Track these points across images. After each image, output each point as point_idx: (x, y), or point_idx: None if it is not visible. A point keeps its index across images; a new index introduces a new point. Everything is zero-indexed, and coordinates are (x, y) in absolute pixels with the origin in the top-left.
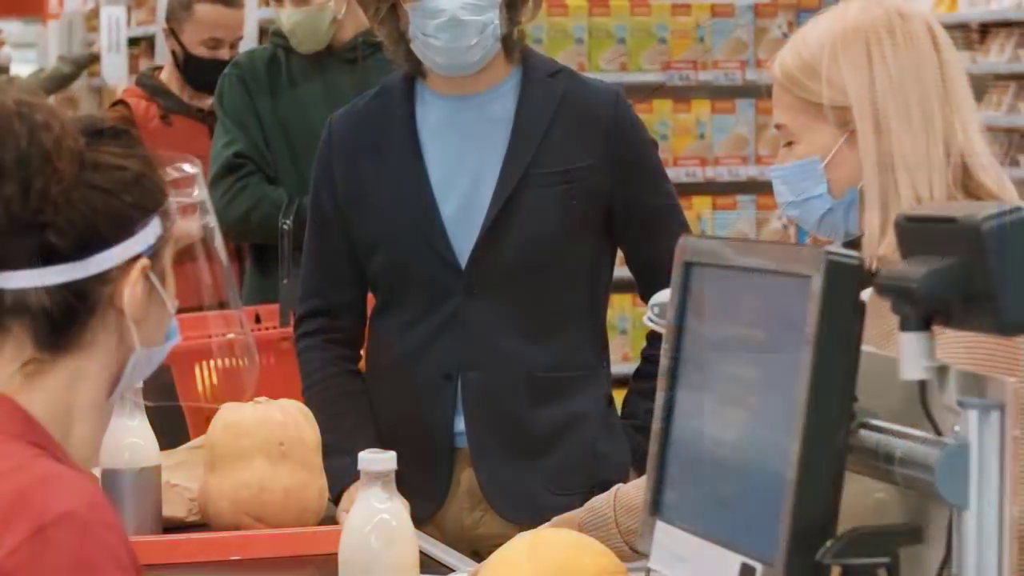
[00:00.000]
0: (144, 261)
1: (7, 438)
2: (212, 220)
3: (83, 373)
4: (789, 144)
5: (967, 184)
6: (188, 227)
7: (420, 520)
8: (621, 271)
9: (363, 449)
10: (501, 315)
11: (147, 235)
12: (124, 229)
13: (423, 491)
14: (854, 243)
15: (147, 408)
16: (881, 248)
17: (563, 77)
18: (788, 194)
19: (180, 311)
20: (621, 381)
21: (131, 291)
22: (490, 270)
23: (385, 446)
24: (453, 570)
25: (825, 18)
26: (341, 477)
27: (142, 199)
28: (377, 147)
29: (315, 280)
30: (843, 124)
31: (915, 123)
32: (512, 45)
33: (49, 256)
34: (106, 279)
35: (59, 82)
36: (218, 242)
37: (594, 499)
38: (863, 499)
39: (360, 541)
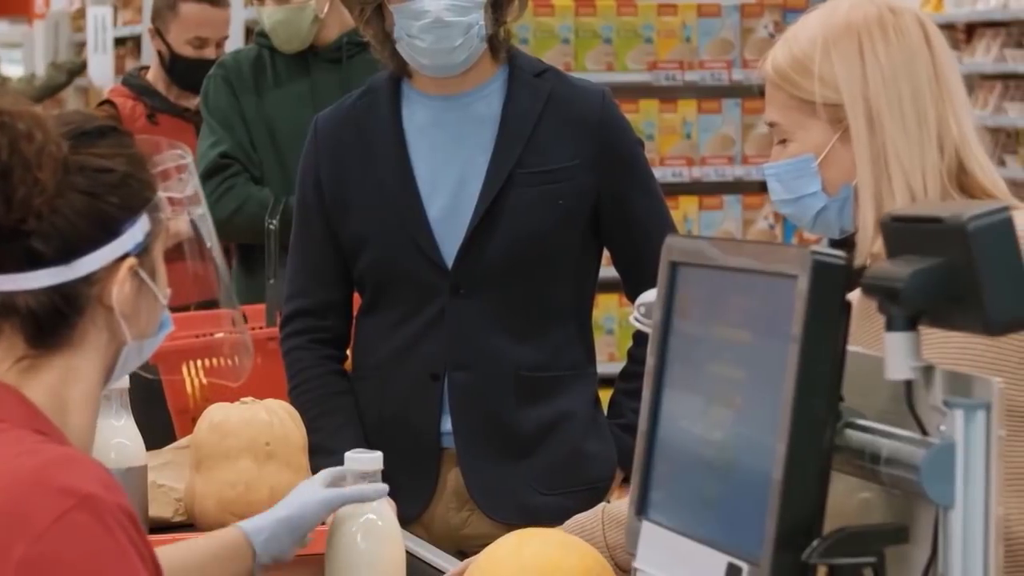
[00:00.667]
0: (132, 260)
1: (11, 425)
2: (204, 210)
3: (76, 368)
4: (782, 142)
5: (961, 180)
6: (180, 221)
7: (407, 520)
8: (607, 271)
9: (349, 449)
10: (487, 315)
11: (134, 234)
12: (110, 231)
13: (410, 491)
14: (848, 241)
15: (133, 408)
16: (875, 246)
17: (549, 77)
18: (782, 192)
19: (173, 309)
20: (607, 381)
21: (119, 289)
22: (476, 270)
23: (372, 446)
24: (440, 570)
25: (816, 15)
26: None
27: (128, 199)
28: (363, 147)
29: (301, 280)
30: (836, 121)
31: (908, 119)
32: (498, 45)
33: (34, 261)
34: (93, 280)
35: (53, 91)
36: (209, 230)
37: (580, 515)
38: (849, 499)
39: (347, 541)
